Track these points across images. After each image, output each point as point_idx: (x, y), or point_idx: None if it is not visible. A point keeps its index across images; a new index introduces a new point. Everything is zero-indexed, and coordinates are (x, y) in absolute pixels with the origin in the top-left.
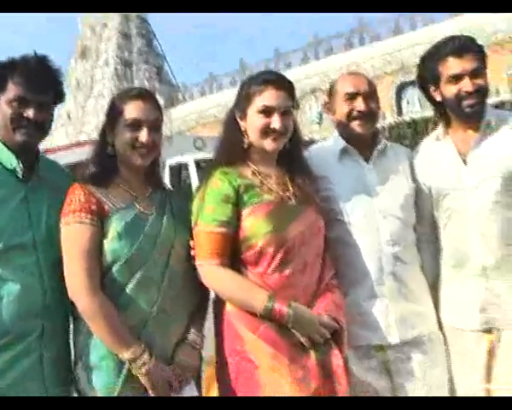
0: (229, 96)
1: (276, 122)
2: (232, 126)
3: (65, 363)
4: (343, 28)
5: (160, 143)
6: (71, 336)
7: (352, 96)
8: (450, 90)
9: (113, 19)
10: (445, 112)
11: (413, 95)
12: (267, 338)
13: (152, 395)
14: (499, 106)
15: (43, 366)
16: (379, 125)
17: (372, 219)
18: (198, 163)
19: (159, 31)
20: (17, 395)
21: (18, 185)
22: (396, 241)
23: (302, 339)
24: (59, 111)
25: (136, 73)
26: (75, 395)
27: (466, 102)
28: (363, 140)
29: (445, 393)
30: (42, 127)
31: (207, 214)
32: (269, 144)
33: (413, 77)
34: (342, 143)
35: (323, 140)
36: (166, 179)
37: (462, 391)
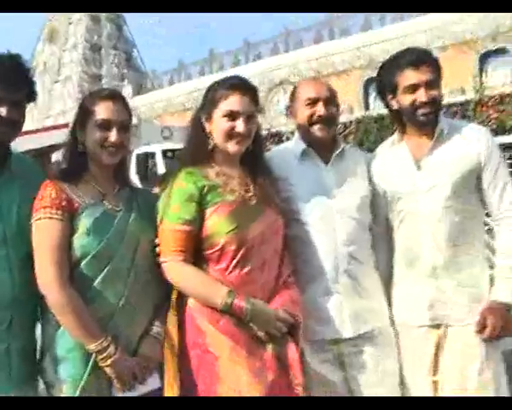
0: (197, 85)
1: (240, 126)
2: (198, 128)
3: (32, 355)
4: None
5: (129, 142)
6: (38, 329)
7: (313, 101)
8: (406, 100)
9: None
10: (401, 119)
11: None
12: (227, 332)
13: (117, 386)
14: (464, 104)
15: (10, 356)
16: (346, 119)
17: (329, 219)
18: (165, 153)
19: (128, 16)
20: None
21: None
22: (351, 241)
23: (260, 333)
24: None
25: (104, 58)
26: (42, 386)
27: (421, 111)
28: (322, 143)
29: (395, 383)
30: (14, 125)
31: (172, 213)
32: (233, 147)
33: None
34: (303, 145)
35: (291, 133)
36: (133, 168)
37: (411, 383)
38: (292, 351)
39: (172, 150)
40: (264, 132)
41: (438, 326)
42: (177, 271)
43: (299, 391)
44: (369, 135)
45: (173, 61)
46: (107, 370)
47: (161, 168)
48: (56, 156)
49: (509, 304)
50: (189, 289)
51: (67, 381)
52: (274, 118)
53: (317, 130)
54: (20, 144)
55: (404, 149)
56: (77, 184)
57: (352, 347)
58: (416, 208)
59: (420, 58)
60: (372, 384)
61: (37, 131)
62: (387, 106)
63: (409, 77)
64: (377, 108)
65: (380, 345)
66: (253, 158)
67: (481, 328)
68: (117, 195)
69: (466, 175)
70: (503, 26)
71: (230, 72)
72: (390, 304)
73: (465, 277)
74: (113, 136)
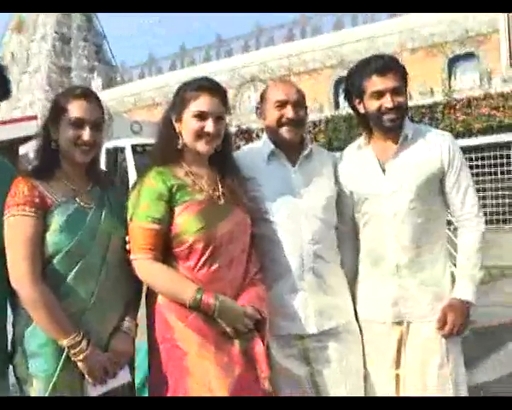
0: (168, 79)
1: (209, 127)
2: (168, 128)
3: (3, 351)
4: (285, 19)
5: (102, 140)
6: (9, 325)
7: (281, 104)
8: (372, 105)
9: None
10: (368, 123)
11: None
12: (195, 327)
13: (89, 381)
14: (433, 106)
15: None
16: (316, 118)
17: (295, 219)
18: (134, 147)
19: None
20: None
21: None
22: (317, 240)
23: (227, 329)
24: None
25: (74, 50)
26: (13, 381)
27: (386, 117)
28: (290, 144)
29: (359, 377)
30: None
31: (142, 211)
32: (202, 146)
33: None
34: (271, 146)
35: (261, 130)
36: (102, 162)
37: (374, 376)
38: (258, 346)
39: (142, 145)
40: (234, 129)
41: (400, 323)
42: (146, 268)
43: (266, 385)
44: (339, 134)
45: (143, 55)
46: (80, 365)
47: (131, 163)
48: (25, 149)
49: (469, 302)
50: (158, 286)
51: (40, 376)
52: (244, 115)
53: (285, 132)
54: None
55: (369, 152)
56: (49, 181)
57: (317, 342)
58: (381, 211)
59: (386, 65)
60: (336, 378)
61: (4, 122)
62: (354, 110)
63: (375, 83)
64: (347, 107)
65: (344, 341)
66: (221, 158)
67: (442, 324)
68: (89, 192)
69: (429, 178)
70: (472, 31)
71: (201, 67)
72: (355, 301)
73: (428, 276)
74: (86, 134)
